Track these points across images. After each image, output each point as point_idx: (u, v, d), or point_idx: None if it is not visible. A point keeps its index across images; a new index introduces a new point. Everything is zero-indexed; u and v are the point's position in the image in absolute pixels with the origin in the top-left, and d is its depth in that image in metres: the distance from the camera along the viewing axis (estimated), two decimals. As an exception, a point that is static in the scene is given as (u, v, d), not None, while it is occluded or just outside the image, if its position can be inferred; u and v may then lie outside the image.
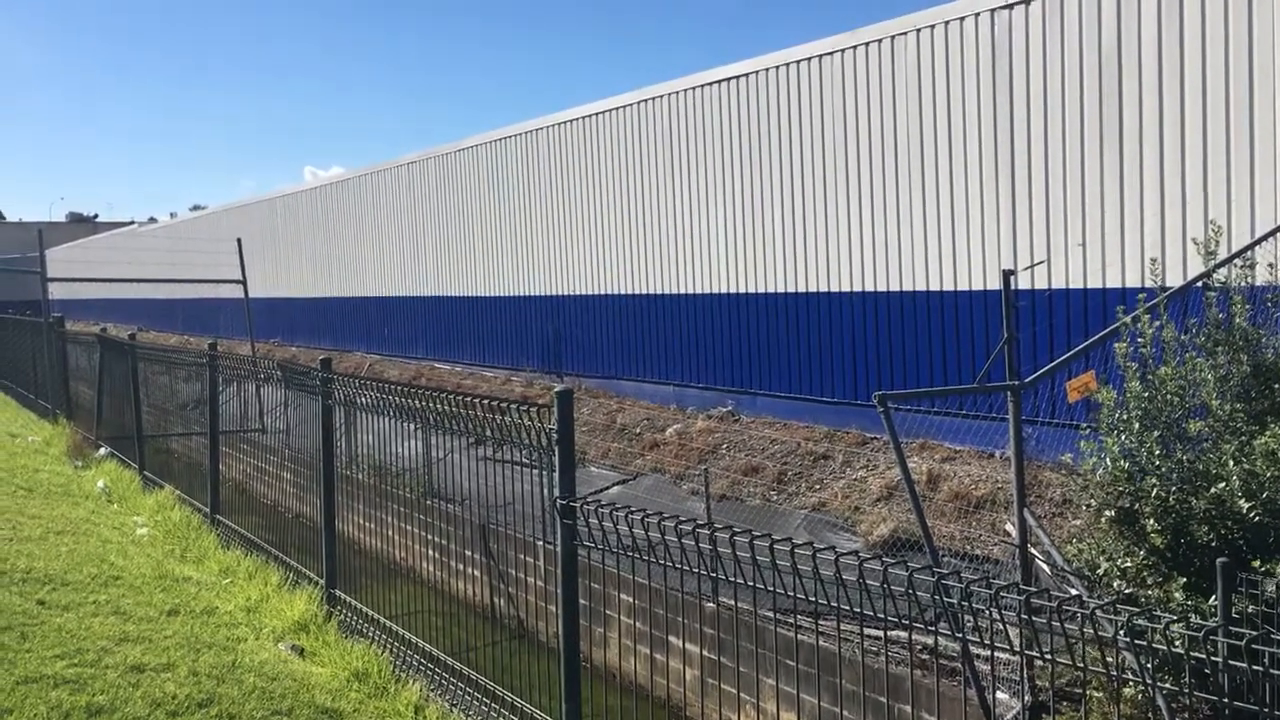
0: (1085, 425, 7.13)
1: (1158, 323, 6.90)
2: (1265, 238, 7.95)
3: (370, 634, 7.72)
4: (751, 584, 4.06)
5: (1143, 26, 10.22)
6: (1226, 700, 2.99)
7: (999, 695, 7.36)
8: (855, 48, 13.03)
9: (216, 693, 6.06)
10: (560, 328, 18.93)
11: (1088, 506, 7.19)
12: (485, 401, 6.05)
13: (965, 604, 3.43)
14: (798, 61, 13.83)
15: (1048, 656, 3.33)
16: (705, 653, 9.49)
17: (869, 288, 13.04)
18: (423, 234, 23.47)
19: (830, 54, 13.37)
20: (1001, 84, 11.42)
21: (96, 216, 73.98)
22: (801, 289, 13.99)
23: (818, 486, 11.74)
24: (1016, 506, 7.58)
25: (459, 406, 6.31)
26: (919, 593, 3.50)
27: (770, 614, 8.77)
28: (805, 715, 8.59)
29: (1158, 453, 6.54)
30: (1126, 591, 6.42)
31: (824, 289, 13.66)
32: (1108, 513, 6.71)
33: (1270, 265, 7.52)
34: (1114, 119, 10.47)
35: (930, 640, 7.87)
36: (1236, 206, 9.65)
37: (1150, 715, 6.53)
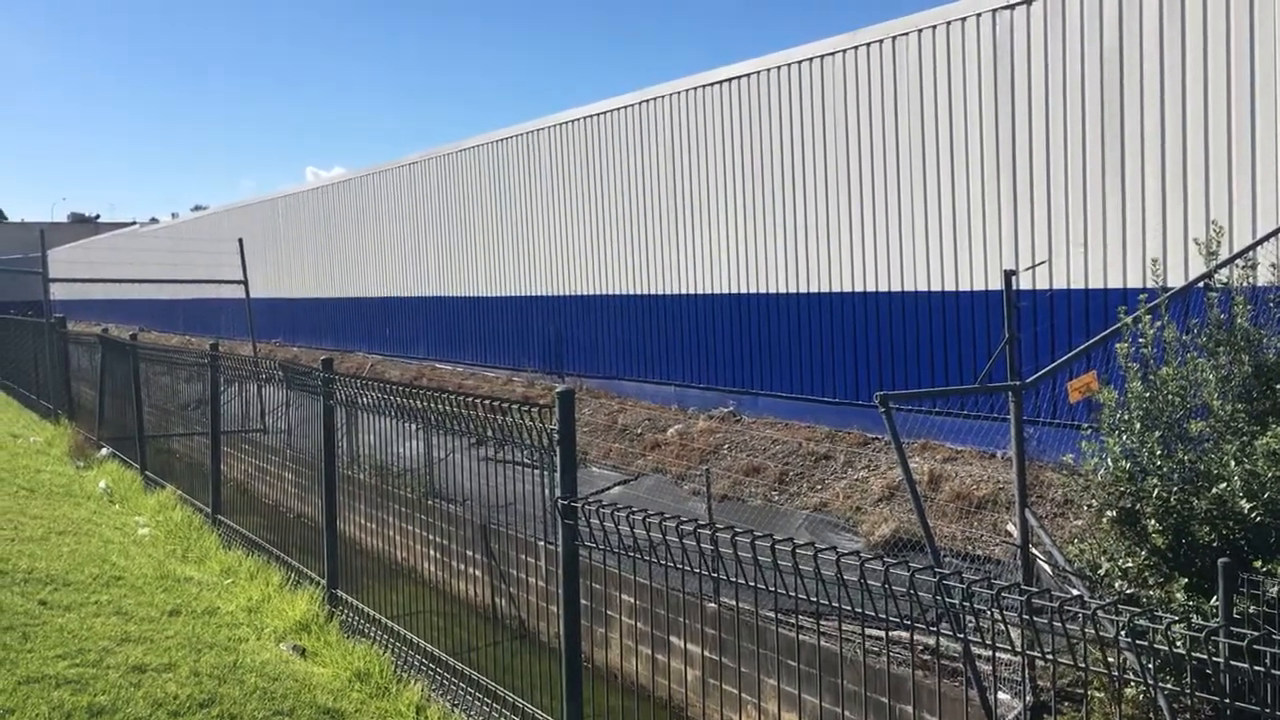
0: (1087, 425, 7.13)
1: (1159, 323, 6.90)
2: (1267, 238, 7.95)
3: (372, 634, 7.72)
4: (753, 584, 4.06)
5: (1144, 26, 10.21)
6: (1228, 701, 2.99)
7: (1000, 695, 7.36)
8: (857, 48, 13.03)
9: (218, 693, 6.06)
10: (562, 328, 18.94)
11: (1089, 507, 7.19)
12: (487, 402, 6.05)
13: (967, 604, 3.43)
14: (799, 62, 13.83)
15: (1049, 657, 3.33)
16: (707, 653, 9.49)
17: (870, 288, 13.04)
18: (424, 234, 23.47)
19: (832, 54, 13.37)
20: (1003, 84, 11.42)
21: (98, 217, 74.09)
22: (803, 289, 13.99)
23: (819, 487, 11.74)
24: (1018, 507, 7.58)
25: (460, 407, 6.31)
26: (920, 593, 3.50)
27: (772, 614, 8.77)
28: (807, 715, 8.58)
29: (1159, 453, 6.53)
30: (1128, 592, 6.42)
31: (825, 289, 13.66)
32: (1109, 513, 6.71)
33: (1272, 266, 7.52)
34: (1115, 119, 10.47)
35: (932, 640, 7.86)
36: (1238, 207, 9.65)
37: (1152, 716, 6.53)
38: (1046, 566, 7.80)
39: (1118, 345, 6.93)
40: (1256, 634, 2.83)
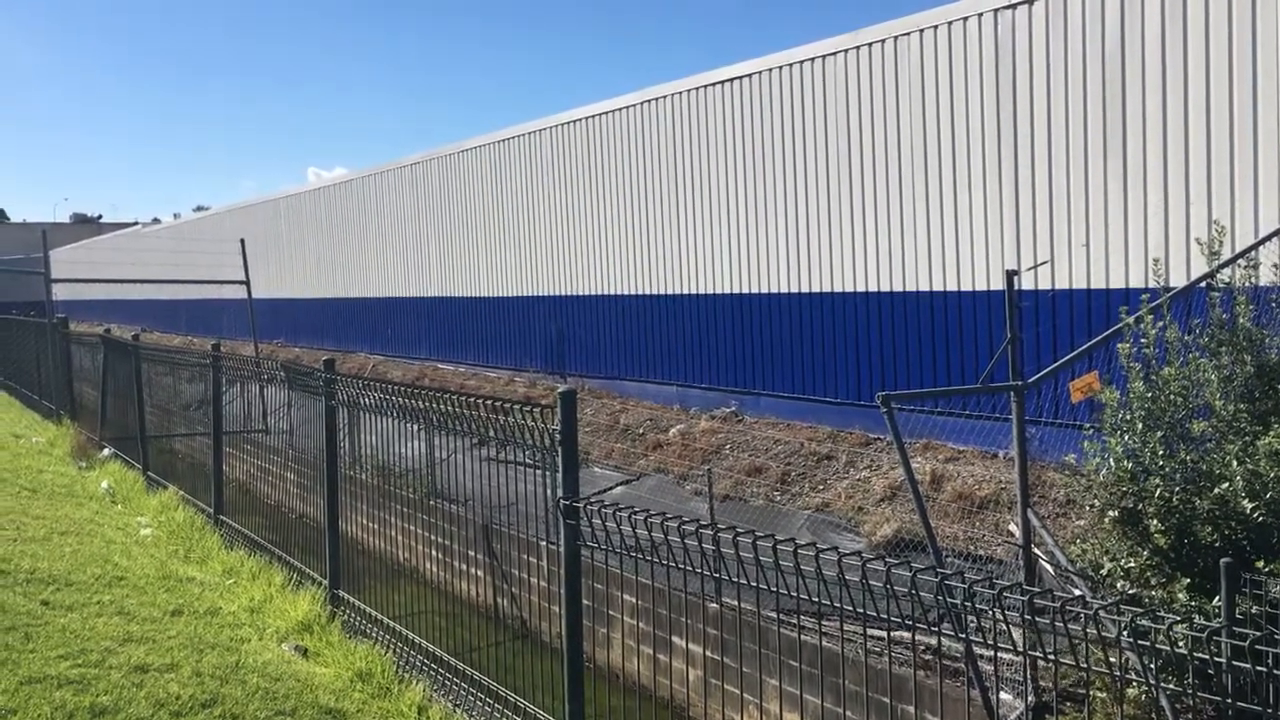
0: (1089, 425, 7.13)
1: (1161, 323, 6.89)
2: (1269, 238, 7.94)
3: (374, 634, 7.72)
4: (755, 584, 4.06)
5: (1146, 26, 10.21)
6: (1230, 701, 2.98)
7: (1002, 696, 7.35)
8: (858, 48, 13.03)
9: (220, 693, 6.07)
10: (563, 328, 18.94)
11: (1091, 507, 7.19)
12: (488, 402, 6.05)
13: (969, 604, 3.43)
14: (801, 62, 13.83)
15: (1051, 657, 3.33)
16: (708, 653, 9.49)
17: (872, 288, 13.04)
18: (426, 235, 23.48)
19: (833, 54, 13.36)
20: (1005, 84, 11.41)
21: (100, 217, 74.20)
22: (805, 289, 13.99)
23: (821, 487, 11.74)
24: (1020, 507, 7.57)
25: (462, 407, 6.31)
26: (922, 593, 3.50)
27: (774, 614, 8.76)
28: (808, 716, 8.58)
29: (1161, 453, 6.53)
30: (1130, 592, 6.42)
31: (827, 289, 13.66)
32: (1111, 513, 6.70)
33: (1274, 265, 7.51)
34: (1117, 119, 10.46)
35: (934, 641, 7.86)
36: (1240, 206, 9.64)
37: (1154, 716, 6.53)
38: (1048, 566, 7.80)
39: (1119, 345, 6.93)
40: (1259, 634, 2.83)
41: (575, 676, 5.54)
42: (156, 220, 59.99)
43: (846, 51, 13.19)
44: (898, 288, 12.72)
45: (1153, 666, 3.10)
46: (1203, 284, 7.34)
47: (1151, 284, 8.78)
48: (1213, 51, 9.78)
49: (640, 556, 4.64)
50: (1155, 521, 6.33)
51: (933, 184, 12.24)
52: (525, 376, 19.92)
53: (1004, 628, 3.39)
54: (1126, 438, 6.70)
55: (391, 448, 8.07)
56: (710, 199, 15.45)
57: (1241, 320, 6.80)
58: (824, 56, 13.49)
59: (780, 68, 14.13)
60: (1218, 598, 5.53)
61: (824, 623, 8.36)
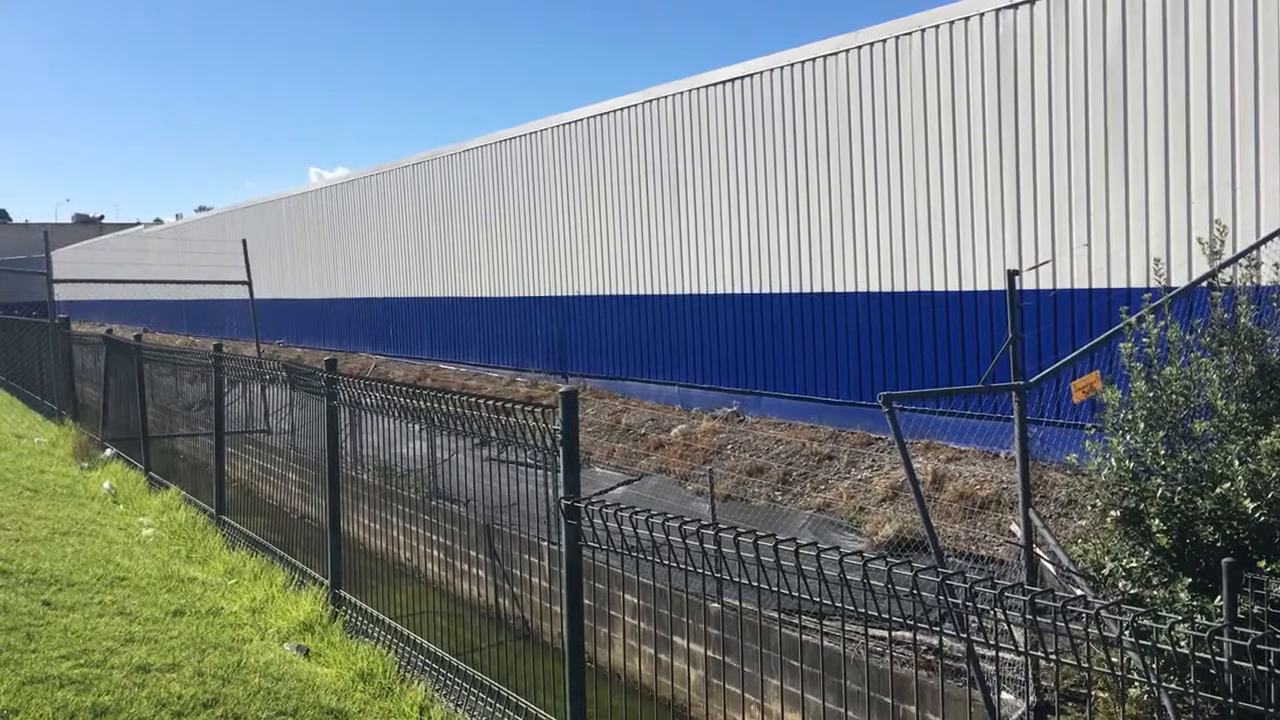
0: (1090, 425, 7.13)
1: (1162, 323, 6.89)
2: (1270, 237, 7.94)
3: (375, 634, 7.72)
4: (756, 584, 4.06)
5: (1148, 25, 10.20)
6: (1232, 701, 2.98)
7: (1004, 696, 7.35)
8: (860, 48, 13.03)
9: (222, 693, 6.07)
10: (565, 328, 18.94)
11: (1093, 507, 7.18)
12: (490, 402, 6.05)
13: (970, 604, 3.43)
14: (802, 62, 13.82)
15: (1053, 657, 3.33)
16: (710, 653, 9.48)
17: (874, 288, 13.03)
18: (427, 235, 23.49)
19: (835, 54, 13.36)
20: (1006, 84, 11.41)
21: (103, 218, 74.21)
22: (806, 289, 13.99)
23: (822, 487, 11.74)
24: (1021, 506, 7.57)
25: (464, 407, 6.31)
26: (924, 593, 3.50)
27: (775, 614, 8.76)
28: (810, 716, 8.58)
29: (1163, 453, 6.53)
30: (1132, 592, 6.41)
31: (829, 289, 13.66)
32: (1113, 513, 6.70)
33: (1276, 265, 7.50)
34: (1119, 118, 10.46)
35: (935, 641, 7.86)
36: (1241, 206, 9.63)
37: (1156, 716, 6.52)
38: (1050, 566, 7.80)
39: (1121, 345, 6.93)
40: (1260, 634, 2.83)
41: (577, 676, 5.54)
42: (158, 221, 60.04)
43: (848, 51, 13.19)
44: (899, 288, 12.71)
45: (1154, 666, 3.10)
46: (1204, 283, 7.33)
47: (1153, 283, 8.78)
48: (1214, 51, 9.77)
49: (642, 556, 4.64)
50: (1157, 521, 6.32)
51: (934, 184, 12.24)
52: (527, 377, 19.93)
53: (1006, 627, 3.39)
54: (1128, 437, 6.70)
55: (393, 448, 8.08)
56: (711, 199, 15.44)
57: (1243, 320, 6.80)
58: (825, 56, 13.49)
59: (782, 67, 14.13)
60: (1219, 597, 5.53)
61: (825, 623, 8.36)
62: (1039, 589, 3.33)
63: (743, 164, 14.85)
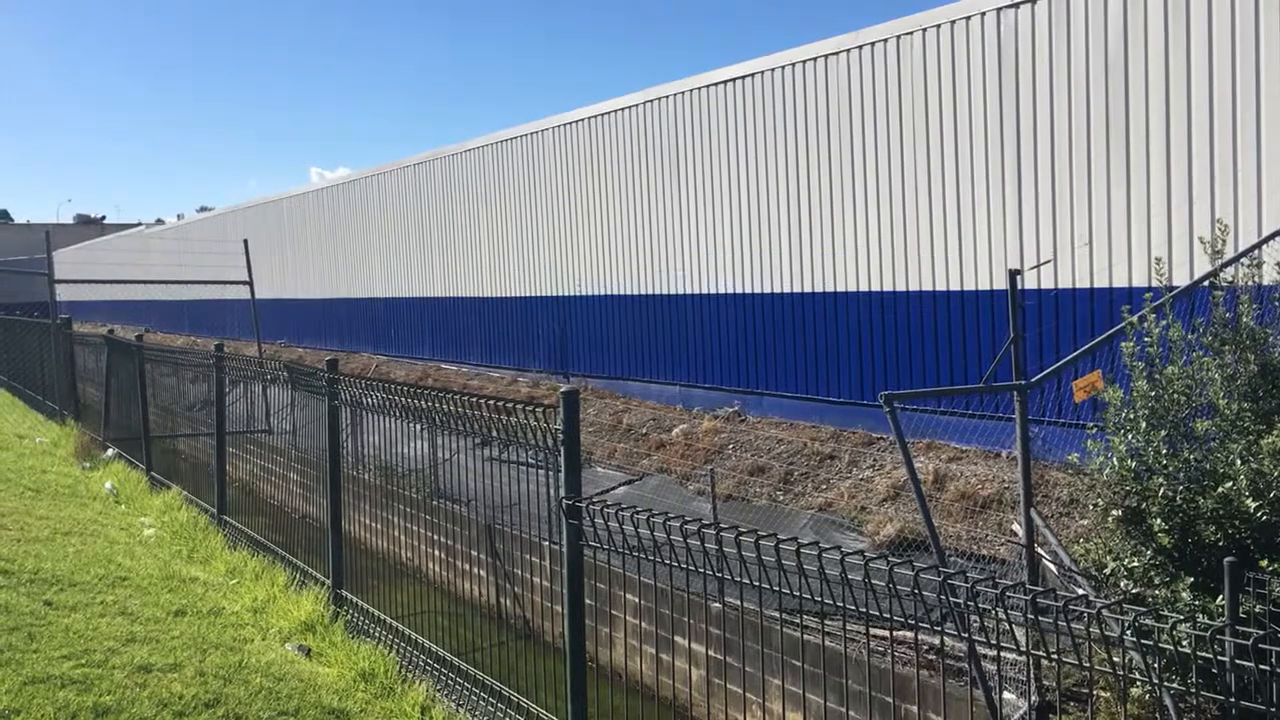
0: (1092, 425, 7.12)
1: (1164, 322, 6.89)
2: (1272, 236, 7.93)
3: (377, 634, 7.72)
4: (758, 584, 4.06)
5: (1149, 24, 10.19)
6: (1234, 700, 2.98)
7: (1006, 695, 7.35)
8: (861, 47, 13.02)
9: (223, 693, 6.07)
10: (566, 328, 18.94)
11: (1094, 506, 7.18)
12: (491, 402, 6.05)
13: (971, 604, 3.43)
14: (803, 61, 13.82)
15: (1054, 656, 3.33)
16: (711, 653, 9.48)
17: (875, 287, 13.03)
18: (429, 235, 23.50)
19: (836, 54, 13.36)
20: (1007, 83, 11.40)
21: (104, 218, 74.18)
22: (807, 289, 13.99)
23: (824, 487, 11.73)
24: (1023, 506, 7.57)
25: (465, 407, 6.31)
26: (925, 593, 3.50)
27: (776, 614, 8.76)
28: (811, 715, 8.58)
29: (1165, 452, 6.52)
30: (1133, 591, 6.41)
31: (830, 289, 13.66)
32: (1115, 512, 6.69)
33: (1278, 264, 7.49)
34: (1120, 117, 10.45)
35: (936, 640, 7.85)
36: (1243, 205, 9.63)
37: (1157, 715, 6.52)
38: (1052, 566, 7.79)
39: (1123, 344, 6.92)
40: (1262, 633, 2.83)
41: (578, 676, 5.54)
42: (160, 221, 60.04)
43: (849, 51, 13.18)
44: (901, 287, 12.71)
45: (1156, 666, 3.10)
46: (1206, 282, 7.33)
47: (1154, 283, 8.77)
48: (1215, 49, 9.76)
49: (643, 556, 4.64)
50: (1159, 521, 6.32)
51: (935, 183, 12.23)
52: (528, 377, 19.93)
53: (1007, 627, 3.38)
54: (1130, 437, 6.69)
55: (394, 448, 8.08)
56: (713, 199, 15.44)
57: (1245, 319, 6.79)
58: (826, 56, 13.48)
59: (783, 67, 14.13)
60: (1221, 597, 5.53)
61: (827, 622, 8.36)
62: (1041, 588, 3.33)
63: (744, 163, 14.84)
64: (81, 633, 6.77)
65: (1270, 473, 6.04)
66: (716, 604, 9.37)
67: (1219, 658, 2.88)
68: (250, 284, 25.71)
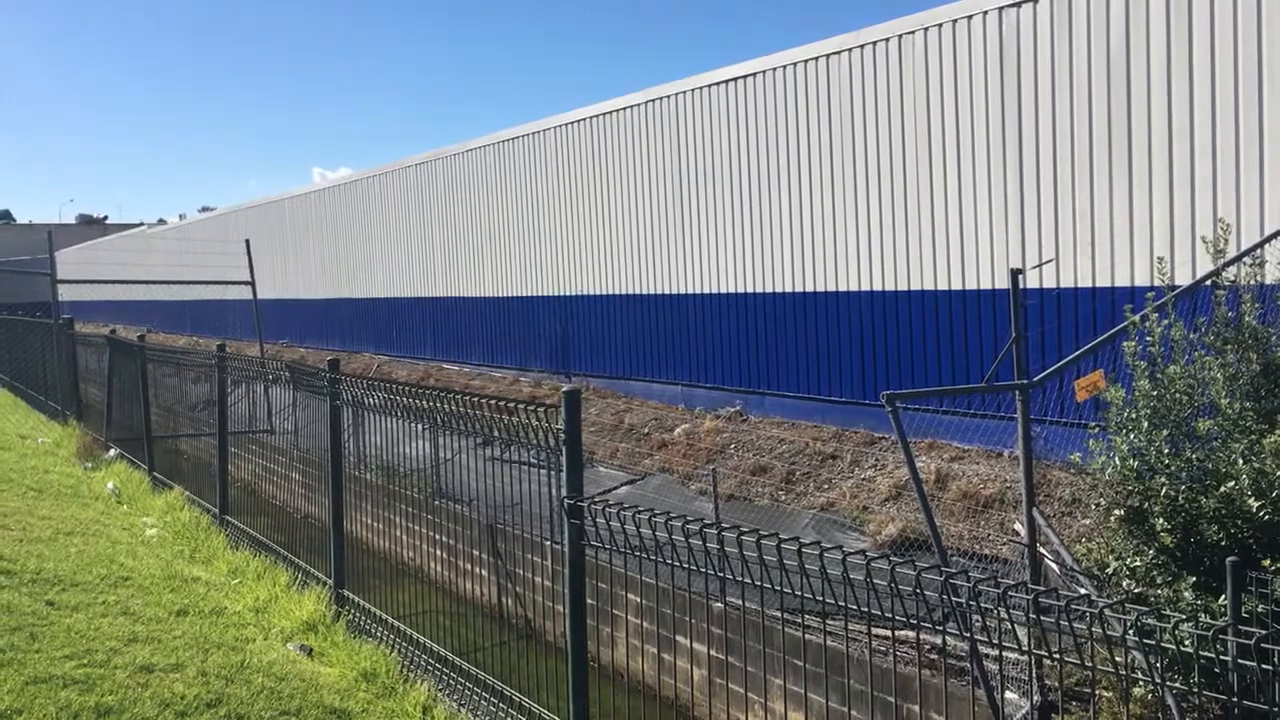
0: (1094, 424, 7.12)
1: (1166, 321, 6.88)
2: (1274, 236, 7.92)
3: (378, 634, 7.73)
4: (760, 584, 4.06)
5: (1151, 24, 10.18)
6: (1236, 700, 2.97)
7: (1008, 695, 7.34)
8: (862, 46, 13.01)
9: (225, 693, 6.08)
10: (568, 328, 18.94)
11: (1097, 505, 7.18)
12: (493, 402, 6.06)
13: (973, 603, 3.42)
14: (804, 61, 13.81)
15: (1057, 656, 3.32)
16: (713, 652, 9.48)
17: (877, 287, 13.02)
18: (430, 235, 23.50)
19: (837, 53, 13.35)
20: (1009, 82, 11.39)
21: (106, 218, 74.22)
22: (809, 289, 13.98)
23: (826, 486, 11.73)
24: (1025, 506, 7.56)
25: (467, 407, 6.31)
26: (927, 592, 3.50)
27: (778, 614, 8.76)
28: (813, 715, 8.58)
29: (1167, 451, 6.52)
30: (1136, 591, 6.40)
31: (832, 288, 13.65)
32: (1117, 512, 6.69)
33: (1280, 263, 7.49)
34: (1122, 117, 10.44)
35: (938, 640, 7.85)
36: (1245, 204, 9.62)
37: (1160, 715, 6.51)
38: (1054, 565, 7.79)
39: (1125, 344, 6.92)
40: (1265, 633, 2.82)
41: (579, 676, 5.54)
42: (162, 221, 60.08)
43: (850, 50, 13.18)
44: (902, 287, 12.70)
45: (1159, 665, 3.10)
46: (1208, 282, 7.32)
47: (1157, 282, 8.77)
48: (1217, 48, 9.75)
49: (645, 556, 4.64)
50: (1161, 520, 6.31)
51: (937, 183, 12.22)
52: (530, 376, 19.93)
53: (1009, 627, 3.38)
54: (1132, 436, 6.68)
55: (396, 448, 8.08)
56: (714, 198, 15.44)
57: (1247, 318, 6.78)
58: (828, 55, 13.48)
59: (784, 67, 14.12)
60: (1224, 596, 5.52)
61: (829, 622, 8.36)
62: (1043, 588, 3.33)
63: (745, 163, 14.84)
64: (84, 633, 6.77)
65: (1272, 472, 6.03)
66: (718, 603, 9.36)
67: (1221, 657, 2.88)
68: (252, 284, 25.72)
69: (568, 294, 18.89)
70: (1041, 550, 7.74)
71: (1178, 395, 6.63)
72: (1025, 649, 3.61)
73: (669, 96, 16.18)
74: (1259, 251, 7.53)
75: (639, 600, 10.40)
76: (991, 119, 11.61)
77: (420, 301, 24.08)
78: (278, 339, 30.37)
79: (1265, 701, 2.90)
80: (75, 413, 19.39)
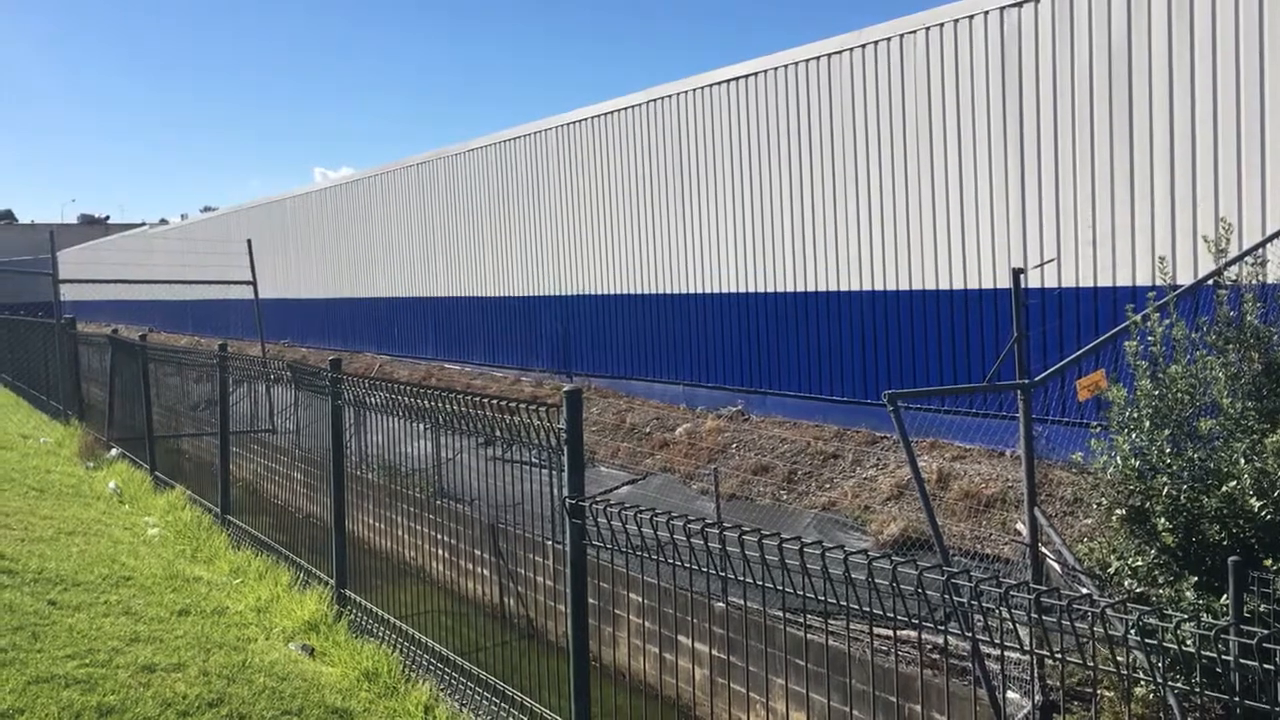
0: (1096, 424, 7.11)
1: (1168, 321, 6.88)
2: (1276, 235, 7.92)
3: (380, 634, 7.73)
4: (761, 583, 4.06)
5: (1153, 23, 10.18)
6: (1238, 699, 2.97)
7: (1009, 695, 7.34)
8: (864, 46, 13.01)
9: (227, 692, 6.08)
10: (570, 328, 18.94)
11: (1098, 505, 7.17)
12: (494, 401, 6.06)
13: (975, 603, 3.42)
14: (806, 60, 13.81)
15: (1058, 656, 3.32)
16: (715, 652, 9.48)
17: (878, 287, 13.02)
18: (432, 235, 23.51)
19: (838, 53, 13.35)
20: (1011, 82, 11.38)
21: (108, 218, 74.32)
22: (810, 288, 13.98)
23: (828, 486, 11.73)
24: (1027, 505, 7.56)
25: (468, 406, 6.32)
26: (929, 592, 3.49)
27: (780, 613, 8.76)
28: (815, 715, 8.58)
29: (1169, 451, 6.51)
30: (1137, 590, 6.40)
31: (833, 288, 13.65)
32: (1119, 511, 6.69)
33: (1282, 263, 7.48)
34: (1124, 116, 10.43)
35: (940, 640, 7.85)
36: (1247, 204, 9.61)
37: (1161, 715, 6.51)
38: (1056, 565, 7.78)
39: (1126, 343, 6.91)
40: (1266, 632, 2.82)
41: (581, 675, 5.54)
42: (164, 221, 60.12)
43: (852, 50, 13.17)
44: (904, 286, 12.70)
45: (1160, 665, 3.09)
46: (1210, 282, 7.32)
47: (1158, 282, 8.76)
48: (1219, 47, 9.75)
49: (646, 556, 4.64)
50: (1163, 520, 6.31)
51: (939, 182, 12.22)
52: (532, 376, 19.93)
53: (1011, 626, 3.38)
54: (1134, 436, 6.68)
55: (398, 447, 8.08)
56: (716, 198, 15.44)
57: (1249, 318, 6.78)
58: (829, 55, 13.47)
59: (785, 66, 14.12)
60: (1225, 596, 5.52)
61: (831, 622, 8.36)
62: (1044, 588, 3.33)
63: (746, 163, 14.84)
64: (85, 632, 6.77)
65: (1274, 472, 6.03)
66: (720, 603, 9.36)
67: (1223, 657, 2.88)
68: (254, 284, 25.74)
69: (569, 294, 18.89)
70: (1043, 550, 7.73)
71: (1179, 395, 6.62)
72: (1027, 649, 3.61)
73: (670, 96, 16.18)
74: (1261, 251, 7.52)
75: (640, 600, 10.40)
76: (993, 119, 11.60)
77: (422, 301, 24.09)
78: (279, 339, 30.38)
79: (1267, 701, 2.90)
80: (77, 412, 19.40)
